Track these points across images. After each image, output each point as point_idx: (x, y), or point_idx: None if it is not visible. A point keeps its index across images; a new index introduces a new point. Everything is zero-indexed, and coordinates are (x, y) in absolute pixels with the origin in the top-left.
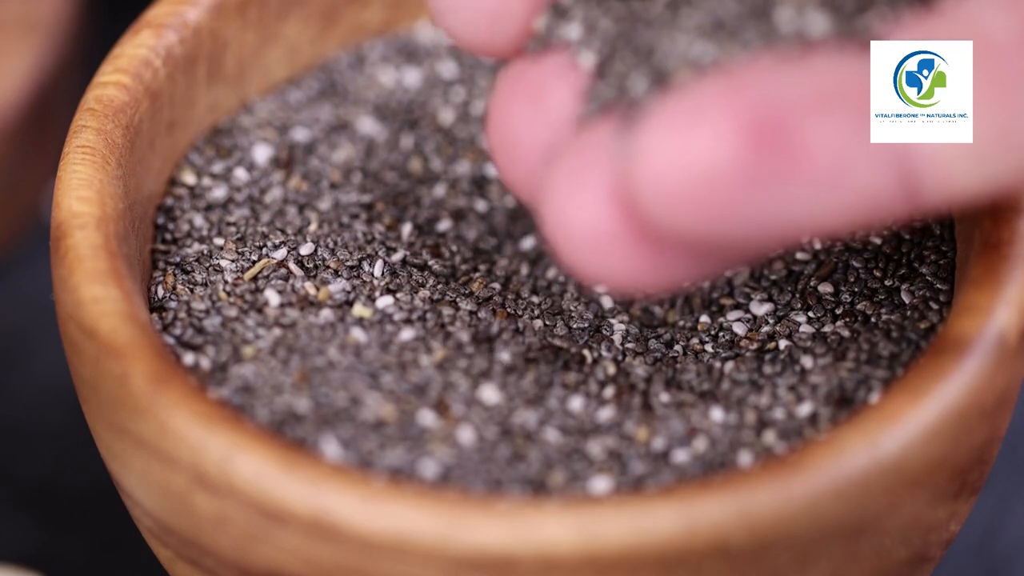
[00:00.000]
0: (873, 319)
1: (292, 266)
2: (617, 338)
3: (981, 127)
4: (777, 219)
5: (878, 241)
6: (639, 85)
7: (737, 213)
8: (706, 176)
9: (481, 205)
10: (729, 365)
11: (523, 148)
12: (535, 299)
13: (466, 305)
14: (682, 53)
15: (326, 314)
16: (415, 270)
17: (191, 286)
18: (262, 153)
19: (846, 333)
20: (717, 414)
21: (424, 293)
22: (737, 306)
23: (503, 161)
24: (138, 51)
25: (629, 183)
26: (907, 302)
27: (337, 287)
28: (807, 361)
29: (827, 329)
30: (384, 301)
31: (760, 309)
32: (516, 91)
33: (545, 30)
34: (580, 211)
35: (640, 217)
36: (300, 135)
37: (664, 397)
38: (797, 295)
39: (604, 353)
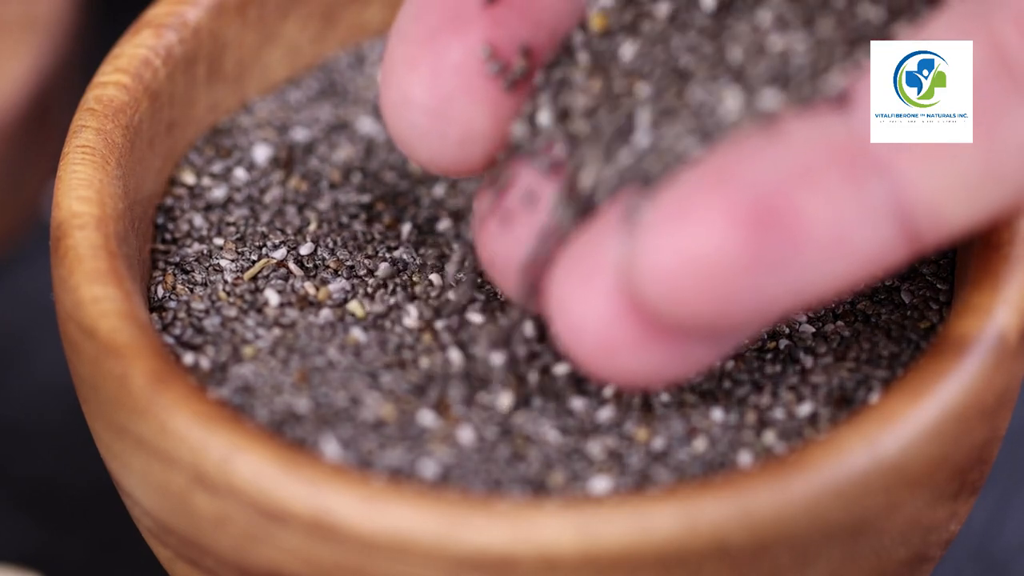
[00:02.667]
0: (873, 319)
1: (292, 266)
2: None
3: (967, 159)
4: (786, 295)
5: None
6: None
7: (745, 298)
8: (709, 268)
9: None
10: (729, 365)
11: (516, 266)
12: None
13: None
14: (655, 155)
15: (326, 314)
16: (415, 269)
17: (191, 286)
18: (262, 153)
19: (847, 333)
20: (717, 414)
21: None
22: None
23: (499, 279)
24: (138, 51)
25: (633, 283)
26: (907, 302)
27: (337, 287)
28: (808, 361)
29: (828, 328)
30: (384, 301)
31: None
32: (497, 212)
33: (523, 141)
34: (590, 317)
35: (648, 314)
36: (300, 135)
37: (664, 397)
38: None
39: None
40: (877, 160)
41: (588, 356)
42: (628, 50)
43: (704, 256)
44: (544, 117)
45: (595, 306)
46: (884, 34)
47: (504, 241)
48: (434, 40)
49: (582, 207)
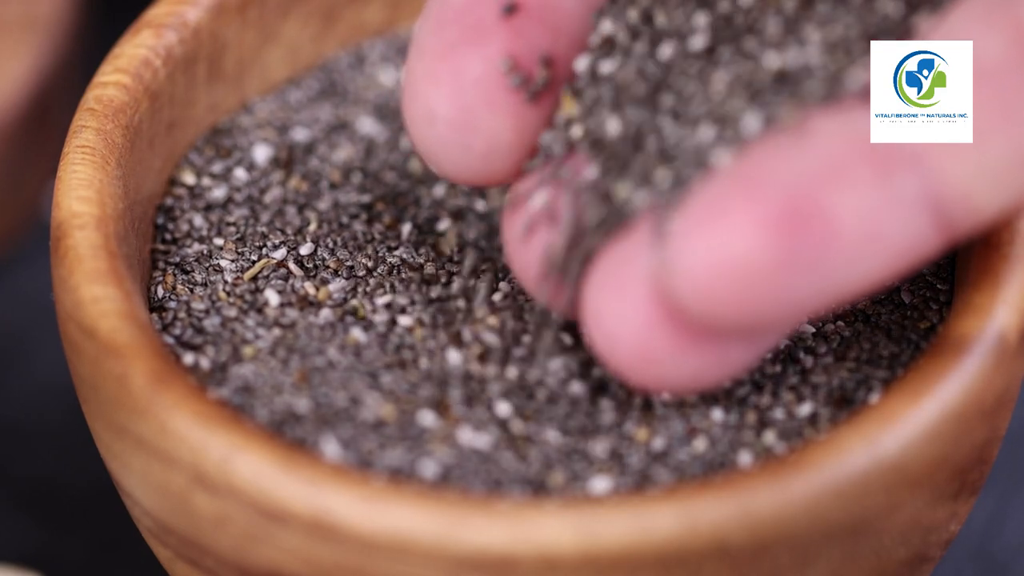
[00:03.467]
0: (873, 319)
1: (292, 266)
2: None
3: (997, 147)
4: (821, 292)
5: None
6: (640, 198)
7: (780, 298)
8: (741, 271)
9: (481, 205)
10: None
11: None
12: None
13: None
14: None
15: (326, 314)
16: (415, 270)
17: (191, 286)
18: (262, 153)
19: (847, 333)
20: (717, 414)
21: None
22: None
23: (531, 285)
24: (138, 51)
25: (668, 287)
26: (907, 302)
27: (336, 287)
28: (808, 361)
29: (828, 328)
30: (384, 300)
31: None
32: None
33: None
34: (626, 326)
35: (684, 318)
36: (300, 135)
37: (664, 397)
38: None
39: None
40: (906, 152)
41: (625, 365)
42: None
43: (736, 259)
44: (576, 131)
45: (631, 315)
46: (904, 27)
47: (535, 252)
48: (454, 54)
49: (616, 218)
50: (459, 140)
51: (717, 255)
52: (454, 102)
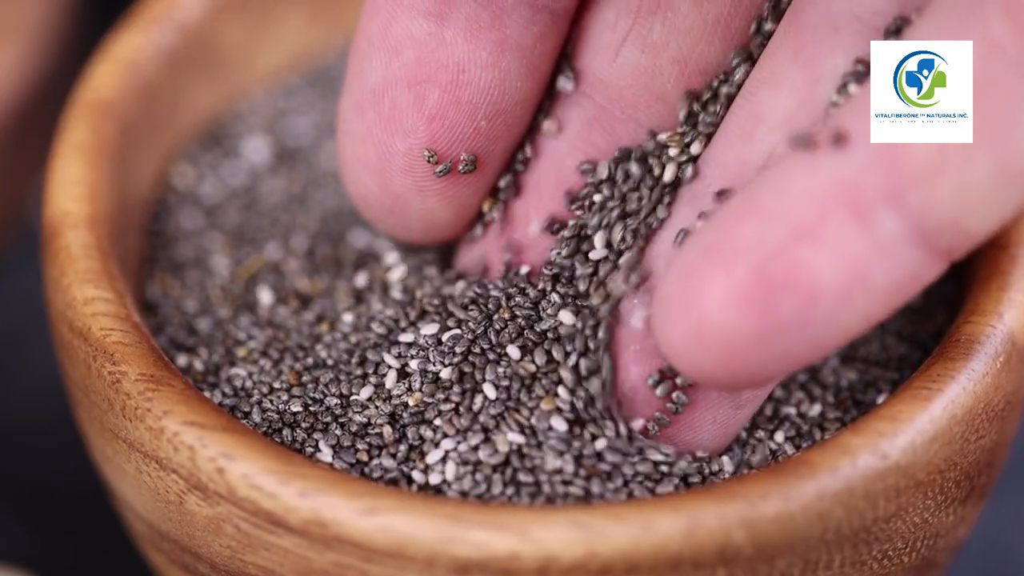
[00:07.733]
0: (882, 320)
1: (286, 266)
2: None
3: (980, 168)
4: (817, 345)
5: None
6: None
7: (770, 359)
8: (723, 345)
9: None
10: None
11: None
12: None
13: None
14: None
15: (320, 314)
16: (412, 268)
17: (184, 286)
18: (257, 151)
19: None
20: None
21: (422, 292)
22: None
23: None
24: (130, 47)
25: (660, 348)
26: (916, 303)
27: (331, 287)
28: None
29: None
30: (381, 301)
31: None
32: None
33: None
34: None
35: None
36: (296, 134)
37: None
38: None
39: None
40: (885, 193)
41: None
42: None
43: (714, 334)
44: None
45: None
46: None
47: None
48: (376, 140)
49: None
50: (396, 220)
51: (696, 331)
52: (385, 190)
